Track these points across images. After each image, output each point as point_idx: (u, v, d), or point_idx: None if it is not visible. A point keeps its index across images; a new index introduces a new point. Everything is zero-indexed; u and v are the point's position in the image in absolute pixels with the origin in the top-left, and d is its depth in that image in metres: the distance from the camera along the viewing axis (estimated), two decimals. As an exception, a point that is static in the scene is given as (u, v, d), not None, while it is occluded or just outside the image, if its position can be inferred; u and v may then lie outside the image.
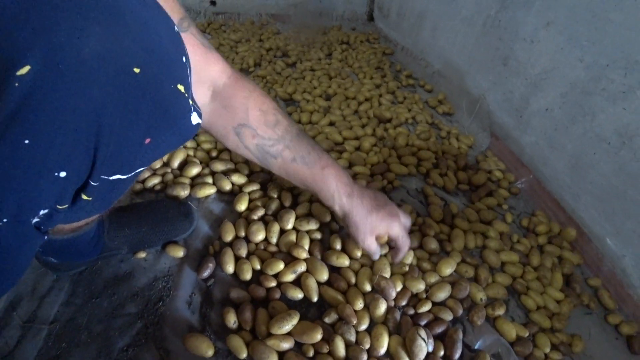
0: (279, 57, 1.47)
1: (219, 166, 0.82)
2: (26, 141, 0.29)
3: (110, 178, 0.36)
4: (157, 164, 0.81)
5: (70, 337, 0.56)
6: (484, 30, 1.17)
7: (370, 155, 0.95)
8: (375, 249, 0.66)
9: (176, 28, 0.36)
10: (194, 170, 0.80)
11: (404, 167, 0.93)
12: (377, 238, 0.65)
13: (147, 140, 0.36)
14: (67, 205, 0.36)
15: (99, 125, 0.31)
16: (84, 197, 0.36)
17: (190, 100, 0.39)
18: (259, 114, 0.60)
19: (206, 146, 0.88)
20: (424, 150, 0.99)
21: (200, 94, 0.56)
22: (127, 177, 0.38)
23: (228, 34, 1.59)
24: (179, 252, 0.68)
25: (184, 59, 0.37)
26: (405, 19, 1.66)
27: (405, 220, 0.67)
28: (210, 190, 0.78)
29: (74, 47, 0.28)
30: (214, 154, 0.87)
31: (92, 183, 0.35)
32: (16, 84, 0.26)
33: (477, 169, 0.99)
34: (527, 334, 0.66)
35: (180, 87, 0.36)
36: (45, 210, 0.35)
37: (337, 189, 0.63)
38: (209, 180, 0.80)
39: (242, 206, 0.74)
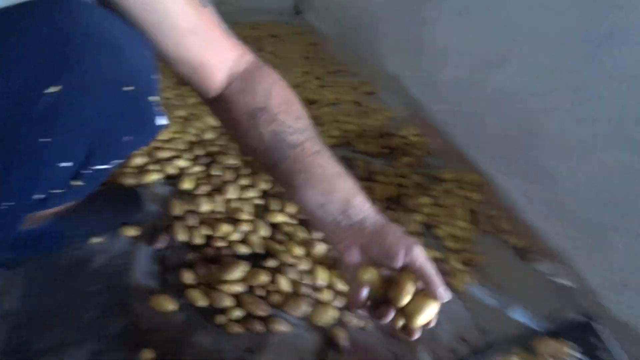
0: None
1: (162, 154, 0.89)
2: (42, 140, 0.41)
3: (99, 167, 0.49)
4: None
5: (35, 325, 0.60)
6: (398, 16, 1.33)
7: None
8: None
9: (148, 42, 0.45)
10: (138, 160, 0.87)
11: (332, 139, 1.06)
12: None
13: (127, 138, 0.48)
14: (60, 190, 0.48)
15: (99, 129, 0.44)
16: (76, 182, 0.48)
17: (158, 107, 0.50)
18: (281, 102, 0.51)
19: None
20: (347, 124, 1.13)
21: (218, 78, 0.51)
22: (109, 167, 0.51)
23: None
24: (133, 232, 0.74)
25: (156, 76, 0.47)
26: (331, 10, 1.79)
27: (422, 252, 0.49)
28: (156, 176, 0.85)
29: (90, 72, 0.40)
30: (157, 144, 0.93)
31: (85, 172, 0.47)
32: (49, 98, 0.39)
33: (395, 136, 1.15)
34: (440, 256, 0.81)
35: (154, 98, 0.48)
36: (42, 195, 0.45)
37: (342, 198, 0.51)
38: (155, 167, 0.86)
39: (187, 185, 0.83)
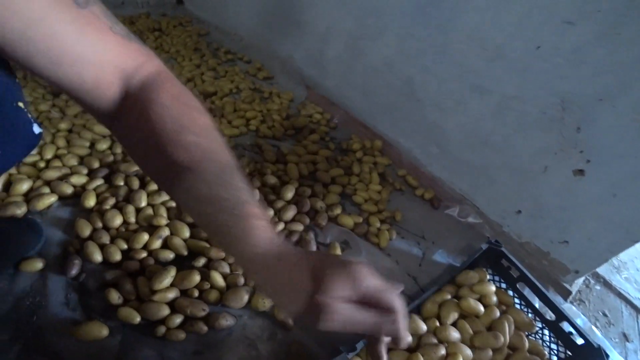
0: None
1: (52, 174, 0.79)
2: None
3: None
4: (-26, 195, 0.74)
5: None
6: (279, 2, 1.34)
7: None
8: (368, 321, 0.36)
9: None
10: (24, 186, 0.76)
11: (235, 129, 1.05)
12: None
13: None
14: None
15: None
16: None
17: (29, 114, 0.43)
18: (175, 128, 0.42)
19: (30, 159, 0.83)
20: (250, 111, 1.13)
21: (108, 88, 0.41)
22: None
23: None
24: (37, 265, 0.66)
25: (17, 80, 0.41)
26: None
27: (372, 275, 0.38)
28: (51, 199, 0.76)
29: None
30: (42, 164, 0.82)
31: None
32: None
33: (299, 116, 1.18)
34: (361, 220, 0.88)
35: (20, 104, 0.41)
36: None
37: (266, 248, 0.38)
38: (46, 190, 0.77)
39: (90, 202, 0.75)
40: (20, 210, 0.72)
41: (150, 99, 0.42)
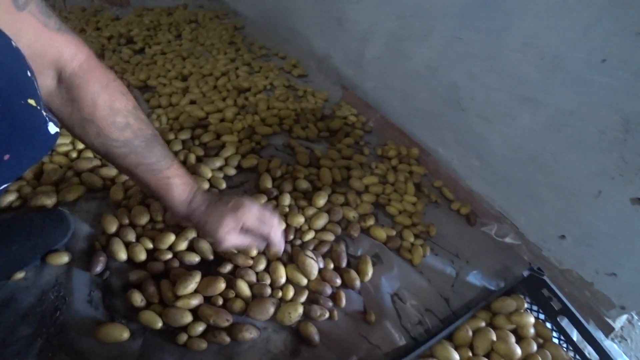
0: (124, 45, 1.38)
1: (83, 165, 0.78)
2: None
3: None
4: (8, 181, 0.74)
5: None
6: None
7: (235, 123, 1.01)
8: (241, 242, 0.62)
9: (14, 43, 0.36)
10: (55, 176, 0.76)
11: (268, 127, 1.02)
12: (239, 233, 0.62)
13: (7, 157, 0.37)
14: None
15: None
16: None
17: (43, 112, 0.39)
18: (107, 113, 0.53)
19: (63, 149, 0.82)
20: (284, 109, 1.09)
21: (44, 80, 0.49)
22: None
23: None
24: (63, 259, 0.65)
25: (28, 73, 0.37)
26: (249, -9, 1.70)
27: (255, 207, 0.62)
28: (80, 191, 0.75)
29: None
30: (74, 154, 0.82)
31: None
32: None
33: (334, 117, 1.14)
34: (394, 233, 0.83)
35: (32, 102, 0.37)
36: None
37: (181, 201, 0.60)
38: (76, 181, 0.76)
39: (118, 196, 0.74)
40: (50, 201, 0.71)
41: (82, 87, 0.50)
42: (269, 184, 0.85)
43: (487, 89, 0.86)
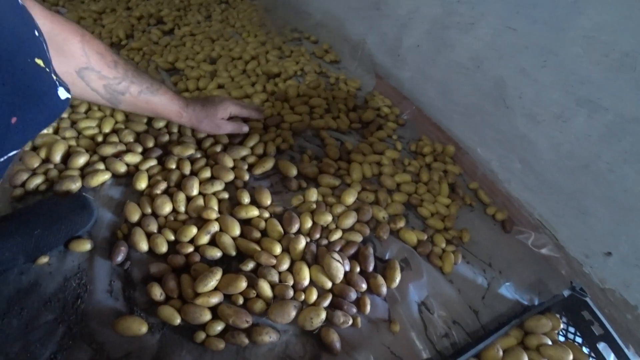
0: (153, 26, 1.36)
1: (108, 150, 0.77)
2: None
3: None
4: (36, 162, 0.73)
5: None
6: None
7: (263, 110, 0.97)
8: (234, 127, 0.83)
9: (20, 1, 0.34)
10: (81, 160, 0.75)
11: (298, 116, 0.97)
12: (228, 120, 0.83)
13: (14, 120, 0.34)
14: None
15: None
16: None
17: (53, 75, 0.37)
18: (98, 57, 0.61)
19: (89, 132, 0.81)
20: (314, 98, 1.04)
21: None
22: (0, 162, 0.36)
23: (87, 5, 1.41)
24: (86, 246, 0.64)
25: (36, 33, 0.36)
26: (281, -28, 1.64)
27: (231, 99, 0.84)
28: (105, 177, 0.74)
29: None
30: (99, 138, 0.81)
31: None
32: None
33: (366, 108, 1.08)
34: (425, 237, 0.78)
35: (39, 62, 0.35)
36: None
37: (180, 107, 0.74)
38: (101, 166, 0.75)
39: (142, 184, 0.72)
40: (75, 186, 0.70)
41: (68, 41, 0.57)
42: (295, 175, 0.83)
43: (538, 86, 0.78)
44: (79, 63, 0.59)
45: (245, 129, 0.85)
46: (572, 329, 0.70)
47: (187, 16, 1.42)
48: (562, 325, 0.68)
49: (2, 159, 0.36)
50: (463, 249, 0.80)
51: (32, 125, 0.38)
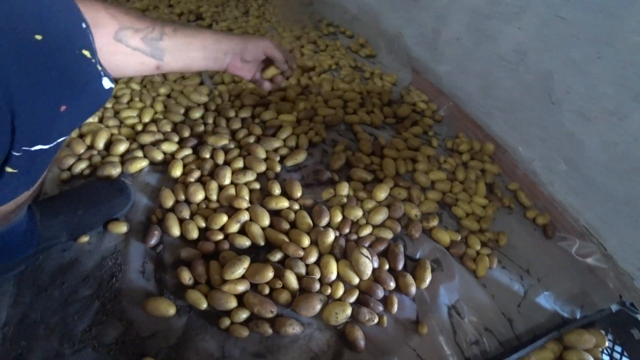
0: (193, 21, 1.40)
1: (146, 138, 0.80)
2: None
3: (32, 149, 0.37)
4: (81, 148, 0.77)
5: (27, 335, 0.55)
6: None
7: (297, 103, 0.97)
8: (251, 76, 0.79)
9: None
10: (122, 147, 0.78)
11: (332, 109, 0.96)
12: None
13: (63, 108, 0.37)
14: None
15: (10, 94, 0.32)
16: (9, 169, 0.36)
17: (98, 65, 0.39)
18: (126, 16, 0.59)
19: (130, 121, 0.85)
20: (349, 92, 1.03)
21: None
22: (49, 148, 0.39)
23: (132, 3, 1.48)
24: (122, 228, 0.67)
25: (83, 25, 0.37)
26: (319, -34, 1.63)
27: (271, 42, 0.76)
28: (142, 164, 0.76)
29: None
30: (139, 127, 0.84)
31: (15, 154, 0.35)
32: None
33: (402, 103, 1.05)
34: (459, 238, 0.75)
35: (86, 53, 0.37)
36: None
37: (218, 36, 0.70)
38: (139, 154, 0.78)
39: (177, 172, 0.75)
40: (115, 171, 0.73)
41: (95, 14, 0.54)
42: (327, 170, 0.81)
43: (589, 80, 0.73)
44: (112, 28, 0.58)
45: (266, 86, 0.80)
46: (618, 348, 0.64)
47: (225, 12, 1.46)
48: (607, 343, 0.63)
49: (52, 145, 0.39)
50: (499, 253, 0.76)
51: (78, 113, 0.40)
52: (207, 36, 0.68)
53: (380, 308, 0.62)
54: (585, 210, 0.80)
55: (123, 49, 0.59)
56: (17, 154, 0.36)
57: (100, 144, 0.79)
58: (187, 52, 0.66)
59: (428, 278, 0.66)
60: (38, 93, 0.34)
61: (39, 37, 0.32)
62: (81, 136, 0.81)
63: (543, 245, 0.80)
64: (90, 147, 0.79)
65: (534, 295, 0.71)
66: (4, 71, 0.31)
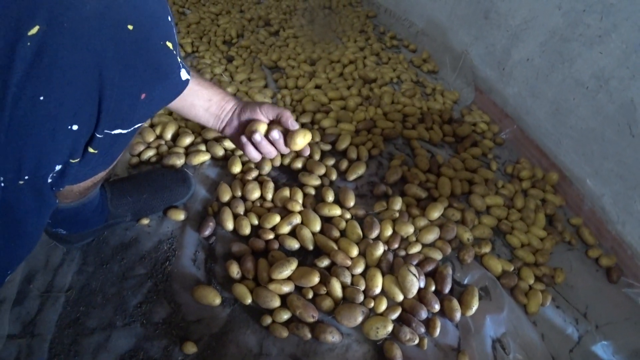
0: (262, 27, 1.46)
1: (210, 134, 0.84)
2: (41, 97, 0.31)
3: (113, 132, 0.39)
4: (151, 137, 0.83)
5: (86, 301, 0.60)
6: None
7: (356, 113, 0.97)
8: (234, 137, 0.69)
9: None
10: (187, 140, 0.83)
11: (390, 122, 0.96)
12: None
13: (143, 96, 0.39)
14: (78, 159, 0.39)
15: (102, 79, 0.34)
16: (91, 150, 0.39)
17: (178, 57, 0.41)
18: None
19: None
20: (409, 106, 1.02)
21: None
22: (127, 132, 0.41)
23: (208, 7, 1.57)
24: (180, 216, 0.71)
25: (169, 18, 0.39)
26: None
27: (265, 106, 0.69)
28: (205, 157, 0.80)
29: (76, 6, 0.30)
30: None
31: (98, 135, 0.38)
32: (28, 44, 0.29)
33: (462, 122, 1.02)
34: (512, 269, 0.71)
35: (169, 44, 0.39)
36: (60, 166, 0.37)
37: (227, 96, 0.67)
38: (202, 148, 0.82)
39: (236, 168, 0.78)
40: (180, 162, 0.78)
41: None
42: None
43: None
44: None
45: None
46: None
47: (292, 20, 1.50)
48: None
49: (129, 130, 0.42)
50: (554, 291, 0.71)
51: (157, 101, 0.42)
52: (218, 92, 0.65)
53: (422, 329, 0.60)
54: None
55: None
56: (100, 136, 0.38)
57: (168, 135, 0.84)
58: (191, 97, 0.64)
59: (475, 306, 0.64)
60: (125, 80, 0.36)
61: (130, 27, 0.34)
62: (152, 126, 0.86)
63: (605, 290, 0.74)
64: (159, 137, 0.85)
65: (590, 342, 0.65)
66: (101, 57, 0.33)
